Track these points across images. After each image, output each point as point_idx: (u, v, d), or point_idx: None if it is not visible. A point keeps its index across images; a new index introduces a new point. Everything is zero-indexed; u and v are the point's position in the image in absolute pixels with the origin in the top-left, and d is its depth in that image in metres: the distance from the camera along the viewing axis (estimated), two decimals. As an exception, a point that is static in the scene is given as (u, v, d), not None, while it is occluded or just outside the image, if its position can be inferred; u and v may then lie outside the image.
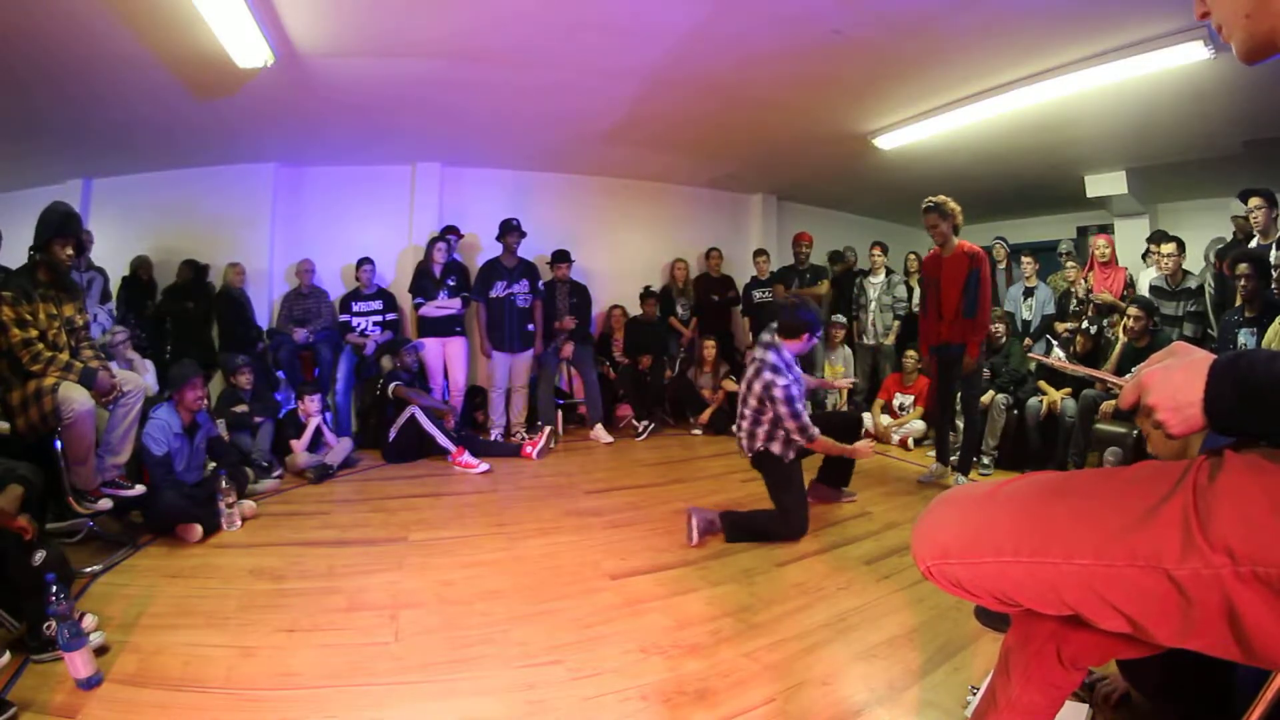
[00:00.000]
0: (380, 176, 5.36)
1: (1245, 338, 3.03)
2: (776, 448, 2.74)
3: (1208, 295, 3.80)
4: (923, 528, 0.91)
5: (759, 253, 5.83)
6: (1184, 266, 3.95)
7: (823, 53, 3.33)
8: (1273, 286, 3.02)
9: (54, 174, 4.74)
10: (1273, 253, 3.22)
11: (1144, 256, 4.67)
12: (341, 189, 5.35)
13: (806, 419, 2.68)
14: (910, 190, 4.62)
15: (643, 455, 4.52)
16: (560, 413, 5.07)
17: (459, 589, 2.22)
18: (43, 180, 4.71)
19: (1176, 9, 2.74)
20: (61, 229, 2.47)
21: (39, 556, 1.75)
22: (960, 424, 3.83)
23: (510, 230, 4.70)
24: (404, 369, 4.40)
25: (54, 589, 1.64)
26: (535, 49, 3.32)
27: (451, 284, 4.77)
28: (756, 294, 5.70)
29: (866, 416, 4.74)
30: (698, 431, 5.20)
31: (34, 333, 2.40)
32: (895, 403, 4.86)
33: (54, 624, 1.63)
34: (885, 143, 4.71)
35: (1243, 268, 3.10)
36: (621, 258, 6.09)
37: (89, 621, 1.81)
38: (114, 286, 4.64)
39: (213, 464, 3.16)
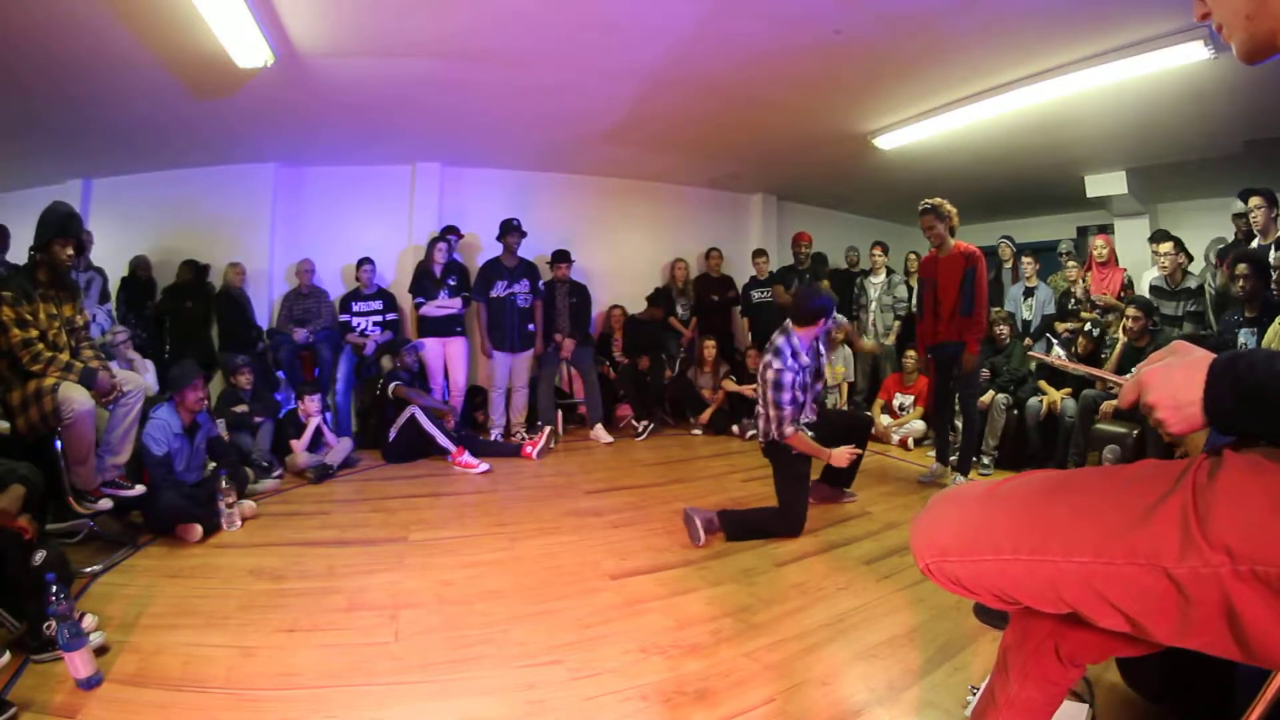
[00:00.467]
0: (380, 176, 5.36)
1: (1245, 338, 3.03)
2: None
3: (1208, 295, 3.80)
4: (922, 525, 0.91)
5: (758, 253, 5.82)
6: (1186, 267, 3.94)
7: (823, 53, 3.33)
8: (1272, 287, 3.02)
9: (54, 174, 4.74)
10: (1272, 253, 3.22)
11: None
12: (341, 189, 5.35)
13: (789, 411, 2.64)
14: (910, 190, 4.62)
15: (643, 455, 4.52)
16: (560, 413, 5.07)
17: (459, 589, 2.22)
18: (43, 180, 4.71)
19: (1176, 9, 2.73)
20: (63, 230, 2.47)
21: (39, 556, 1.75)
22: (960, 424, 3.84)
23: (510, 230, 4.70)
24: (404, 369, 4.41)
25: (54, 589, 1.64)
26: (535, 49, 3.32)
27: (452, 284, 4.77)
28: (755, 294, 5.69)
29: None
30: (698, 432, 5.20)
31: (34, 333, 2.40)
32: (895, 403, 4.86)
33: (54, 624, 1.63)
34: (885, 143, 4.71)
35: (1242, 268, 3.09)
36: (621, 258, 6.09)
37: (89, 621, 1.81)
38: (113, 287, 4.64)
39: (213, 464, 3.16)
